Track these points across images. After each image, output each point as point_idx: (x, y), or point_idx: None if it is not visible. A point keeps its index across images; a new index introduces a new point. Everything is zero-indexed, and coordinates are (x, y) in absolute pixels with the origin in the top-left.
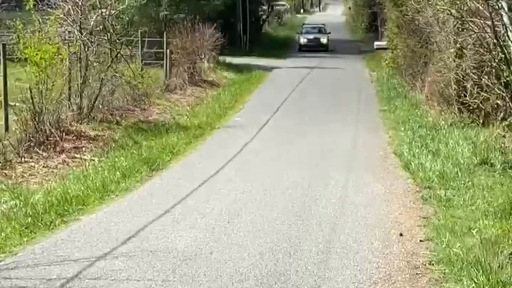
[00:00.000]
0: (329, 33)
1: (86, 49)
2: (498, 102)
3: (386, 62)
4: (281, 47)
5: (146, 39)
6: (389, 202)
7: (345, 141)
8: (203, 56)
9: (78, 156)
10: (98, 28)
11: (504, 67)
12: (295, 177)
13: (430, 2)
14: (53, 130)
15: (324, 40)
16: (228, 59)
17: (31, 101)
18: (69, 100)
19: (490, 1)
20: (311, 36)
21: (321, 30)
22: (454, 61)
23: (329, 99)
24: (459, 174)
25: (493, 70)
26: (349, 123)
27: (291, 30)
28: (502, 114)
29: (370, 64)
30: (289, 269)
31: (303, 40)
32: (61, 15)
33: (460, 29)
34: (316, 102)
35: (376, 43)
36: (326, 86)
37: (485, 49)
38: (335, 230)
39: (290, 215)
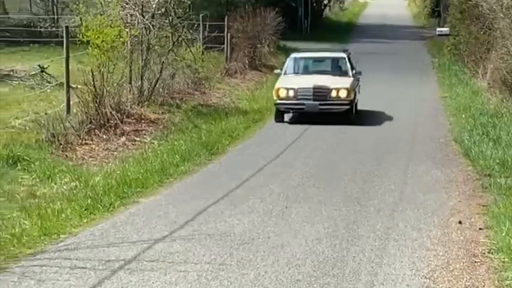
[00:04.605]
0: (358, 73)
1: (147, 33)
2: None
3: (448, 48)
4: (343, 32)
5: (207, 23)
6: (449, 190)
7: (406, 127)
8: (263, 41)
9: (138, 139)
10: (159, 12)
11: None
12: (355, 163)
13: None
14: (113, 113)
15: (342, 92)
16: (289, 44)
17: (92, 83)
18: (130, 83)
19: None
20: (307, 82)
21: (337, 63)
22: None
23: (388, 86)
24: None
25: None
26: (410, 109)
27: (353, 16)
28: None
29: (431, 50)
30: (346, 255)
31: (284, 92)
32: None
33: None
34: (376, 90)
35: (438, 29)
36: (387, 72)
37: None
38: (394, 217)
39: (349, 201)
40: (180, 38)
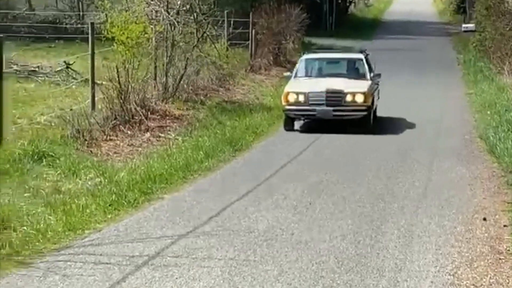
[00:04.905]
0: (377, 75)
1: (172, 29)
2: None
3: (474, 44)
4: (367, 29)
5: (232, 19)
6: (473, 187)
7: (430, 122)
8: (288, 37)
9: (162, 135)
10: (184, 8)
11: None
12: (379, 159)
13: None
14: (138, 109)
15: (359, 96)
16: (313, 40)
17: (117, 80)
18: (155, 79)
19: None
20: (320, 86)
21: (353, 64)
22: None
23: (412, 83)
24: None
25: None
26: (434, 105)
27: (378, 12)
28: None
29: (457, 46)
30: (370, 251)
31: (293, 96)
32: None
33: None
34: (400, 86)
35: (463, 25)
36: (411, 68)
37: None
38: (418, 213)
39: (372, 198)
40: (204, 35)
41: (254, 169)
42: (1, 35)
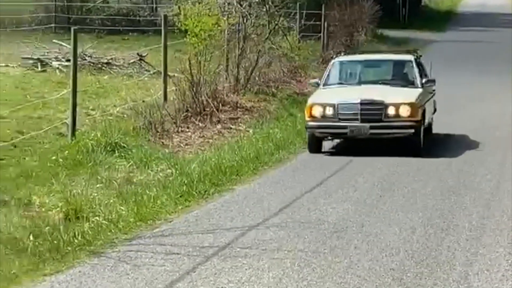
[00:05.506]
0: (431, 82)
1: (244, 21)
2: None
3: None
4: (441, 20)
5: (304, 11)
6: None
7: (503, 116)
8: (360, 29)
9: (233, 127)
10: (257, 0)
11: None
12: (450, 152)
13: None
14: (210, 101)
15: (404, 108)
16: (386, 32)
17: (189, 72)
18: (226, 71)
19: None
20: (352, 95)
21: (399, 68)
22: None
23: (483, 76)
24: None
25: None
26: (506, 98)
27: (452, 4)
28: None
29: None
30: (441, 244)
31: (319, 109)
32: None
33: None
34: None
35: None
36: (482, 61)
37: None
38: (490, 207)
39: (444, 190)
40: (276, 27)
41: (324, 161)
42: (76, 28)
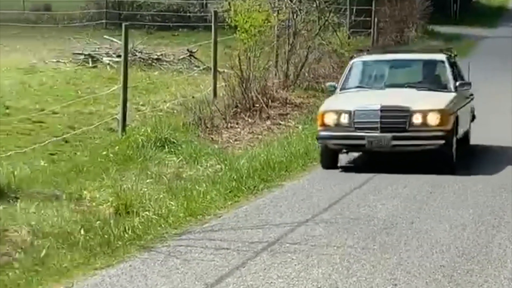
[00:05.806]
0: (466, 85)
1: (294, 17)
2: None
3: None
4: (492, 17)
5: (355, 7)
6: None
7: None
8: (411, 25)
9: (282, 123)
10: None
11: None
12: (501, 148)
13: None
14: (259, 97)
15: (433, 116)
16: (437, 28)
17: (239, 68)
18: (276, 67)
19: None
20: (372, 100)
21: (429, 69)
22: None
23: None
24: None
25: None
26: None
27: (504, 0)
28: None
29: None
30: (492, 241)
31: (333, 117)
32: None
33: None
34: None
35: None
36: None
37: None
38: None
39: (495, 187)
40: (326, 23)
41: (373, 158)
42: (127, 24)
